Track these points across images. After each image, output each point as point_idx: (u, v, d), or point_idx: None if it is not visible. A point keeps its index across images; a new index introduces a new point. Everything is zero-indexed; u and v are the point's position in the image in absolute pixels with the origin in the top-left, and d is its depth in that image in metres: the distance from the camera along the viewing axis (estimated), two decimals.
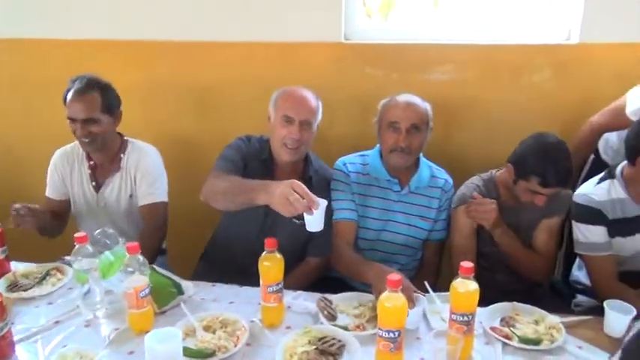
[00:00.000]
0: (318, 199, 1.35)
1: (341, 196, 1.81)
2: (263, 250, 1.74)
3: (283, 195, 1.34)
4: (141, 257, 1.33)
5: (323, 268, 1.84)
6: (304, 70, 2.27)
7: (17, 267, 1.67)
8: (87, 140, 1.82)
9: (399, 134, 1.71)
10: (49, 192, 1.99)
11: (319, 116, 1.78)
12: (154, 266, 1.53)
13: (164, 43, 2.31)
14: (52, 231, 1.91)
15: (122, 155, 1.95)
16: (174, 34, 2.29)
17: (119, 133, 1.98)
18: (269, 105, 1.79)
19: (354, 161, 1.88)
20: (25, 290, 1.52)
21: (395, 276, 1.16)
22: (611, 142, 1.99)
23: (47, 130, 2.44)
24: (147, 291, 1.33)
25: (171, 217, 2.02)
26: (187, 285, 1.52)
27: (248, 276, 1.65)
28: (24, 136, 2.52)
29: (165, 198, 1.97)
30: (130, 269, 1.31)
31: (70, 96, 1.81)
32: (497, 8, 2.29)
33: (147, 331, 1.32)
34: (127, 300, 1.33)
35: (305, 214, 1.36)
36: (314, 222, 1.37)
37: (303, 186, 1.36)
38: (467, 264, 1.21)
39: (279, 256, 1.37)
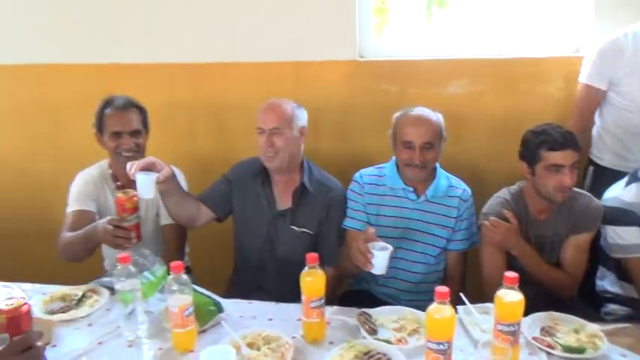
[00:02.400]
0: None
1: (353, 206, 1.89)
2: (270, 261, 1.89)
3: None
4: (184, 276, 1.34)
5: (338, 276, 1.87)
6: (319, 89, 2.32)
7: (52, 290, 1.67)
8: (130, 154, 1.84)
9: (413, 152, 1.77)
10: (81, 204, 1.90)
11: (295, 121, 1.82)
12: (194, 285, 1.53)
13: (182, 65, 2.36)
14: (88, 253, 1.80)
15: None
16: (192, 57, 2.34)
17: None
18: None
19: (370, 173, 1.93)
20: (64, 312, 1.52)
21: (443, 288, 1.17)
22: (599, 145, 2.10)
23: (69, 151, 2.47)
24: (191, 310, 1.34)
25: (193, 239, 2.04)
26: (226, 303, 1.52)
27: (264, 291, 1.76)
28: (47, 156, 2.53)
29: None
30: (174, 288, 1.32)
31: (112, 112, 1.86)
32: (507, 23, 2.35)
33: (190, 351, 1.35)
34: (172, 319, 1.34)
35: None
36: None
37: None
38: (511, 274, 1.23)
39: (320, 271, 1.38)
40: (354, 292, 1.97)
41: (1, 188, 2.55)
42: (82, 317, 1.51)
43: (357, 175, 1.93)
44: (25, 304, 1.19)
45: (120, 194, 1.65)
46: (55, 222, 1.86)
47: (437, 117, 1.81)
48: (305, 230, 1.86)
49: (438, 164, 1.89)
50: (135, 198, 1.65)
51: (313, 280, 1.37)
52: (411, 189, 1.84)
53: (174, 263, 1.33)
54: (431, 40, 2.37)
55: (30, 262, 2.27)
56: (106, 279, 1.78)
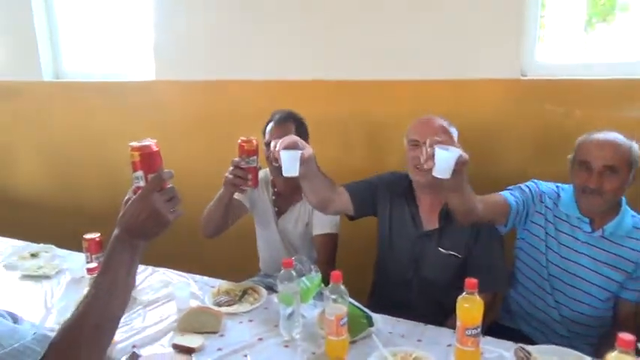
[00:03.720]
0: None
1: (521, 187, 1.77)
2: (414, 280, 1.86)
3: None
4: (342, 286, 1.39)
5: (490, 305, 1.77)
6: (479, 107, 2.24)
7: (218, 284, 1.85)
8: (277, 164, 1.96)
9: (589, 174, 1.60)
10: (238, 196, 2.01)
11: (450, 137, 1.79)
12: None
13: (342, 82, 2.45)
14: (222, 219, 1.95)
15: None
16: (349, 74, 2.42)
17: None
18: None
19: (549, 187, 1.80)
20: (229, 306, 1.67)
21: (627, 336, 1.05)
22: None
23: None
24: (346, 319, 1.38)
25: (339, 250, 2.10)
26: (376, 318, 1.54)
27: (405, 309, 1.71)
28: (218, 162, 2.79)
29: (336, 230, 2.05)
30: (332, 297, 1.37)
31: (273, 124, 2.02)
32: None
33: (341, 359, 1.38)
34: (327, 326, 1.39)
35: None
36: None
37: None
38: None
39: (478, 298, 1.33)
40: (503, 327, 1.86)
41: (185, 187, 2.85)
42: (244, 312, 1.65)
43: (536, 180, 1.82)
44: (155, 143, 1.13)
45: (242, 138, 1.77)
46: None
47: (629, 144, 1.62)
48: (452, 253, 1.81)
49: (624, 200, 1.70)
50: (255, 142, 1.76)
51: (471, 307, 1.32)
52: (587, 220, 1.68)
53: (335, 273, 1.39)
54: (599, 58, 2.17)
55: (200, 257, 2.53)
56: (267, 279, 1.92)
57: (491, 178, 2.23)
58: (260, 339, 1.50)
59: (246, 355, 1.42)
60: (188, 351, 1.42)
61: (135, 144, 1.09)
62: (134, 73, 2.96)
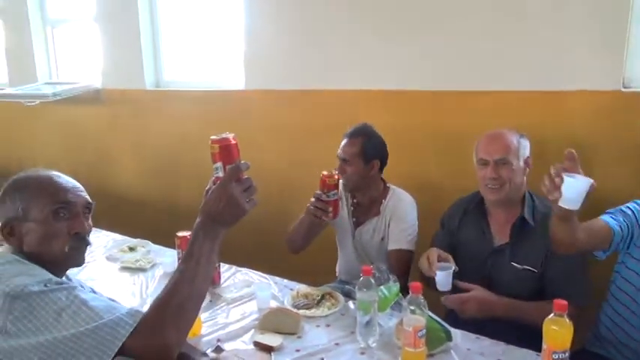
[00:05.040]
0: None
1: (622, 208, 1.65)
2: None
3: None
4: (422, 298, 1.37)
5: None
6: (572, 121, 2.12)
7: (297, 287, 1.90)
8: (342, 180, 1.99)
9: None
10: None
11: (521, 151, 1.77)
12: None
13: (421, 92, 2.43)
14: (303, 239, 2.04)
15: (383, 201, 2.08)
16: (430, 85, 2.39)
17: (383, 181, 2.13)
18: None
19: None
20: (307, 309, 1.71)
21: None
22: None
23: (315, 165, 2.78)
24: (423, 332, 1.37)
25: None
26: (455, 332, 1.51)
27: (480, 325, 1.64)
28: (299, 168, 2.87)
29: (411, 247, 2.03)
30: (411, 308, 1.37)
31: (343, 138, 2.07)
32: None
33: None
34: (404, 337, 1.38)
35: None
36: None
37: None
38: None
39: (568, 321, 1.25)
40: (592, 354, 1.73)
41: (268, 192, 2.98)
42: (322, 317, 1.68)
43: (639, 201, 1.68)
44: (233, 137, 1.18)
45: (325, 172, 1.83)
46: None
47: None
48: (528, 268, 1.75)
49: None
50: (336, 177, 1.83)
51: (560, 329, 1.25)
52: None
53: (415, 284, 1.38)
54: None
55: (280, 260, 2.61)
56: (344, 286, 1.94)
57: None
58: (337, 344, 1.52)
59: (322, 359, 1.45)
60: (268, 349, 1.47)
61: (215, 137, 1.17)
62: (227, 82, 3.13)
